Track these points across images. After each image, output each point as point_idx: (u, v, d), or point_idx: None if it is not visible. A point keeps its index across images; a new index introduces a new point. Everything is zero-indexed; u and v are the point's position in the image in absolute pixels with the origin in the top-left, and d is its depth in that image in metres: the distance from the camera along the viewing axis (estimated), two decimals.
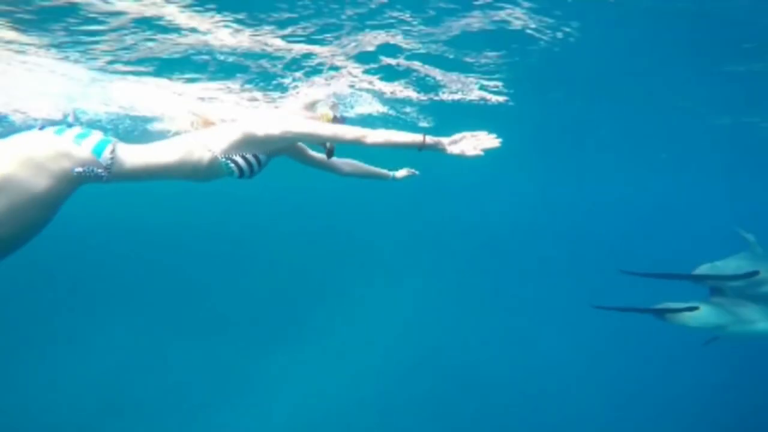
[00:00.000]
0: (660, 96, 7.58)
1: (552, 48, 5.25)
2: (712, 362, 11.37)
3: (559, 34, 4.92)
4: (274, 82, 6.29)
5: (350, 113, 7.74)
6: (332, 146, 3.61)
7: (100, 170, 2.49)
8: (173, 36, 4.81)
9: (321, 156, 3.75)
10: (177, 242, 18.90)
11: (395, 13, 4.56)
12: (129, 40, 4.85)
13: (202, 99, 6.86)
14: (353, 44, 5.19)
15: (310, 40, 5.07)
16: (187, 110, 3.71)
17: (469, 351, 13.21)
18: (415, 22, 4.72)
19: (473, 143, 2.93)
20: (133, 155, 2.74)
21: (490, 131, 2.94)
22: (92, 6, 4.13)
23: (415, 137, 2.95)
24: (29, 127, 2.58)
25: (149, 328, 12.97)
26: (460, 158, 2.95)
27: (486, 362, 12.84)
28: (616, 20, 4.69)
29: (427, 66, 5.99)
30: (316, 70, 5.87)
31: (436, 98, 7.38)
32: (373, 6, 4.41)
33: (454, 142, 2.96)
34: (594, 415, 10.63)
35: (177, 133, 3.17)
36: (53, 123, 2.61)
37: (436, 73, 6.28)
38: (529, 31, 4.85)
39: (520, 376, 12.23)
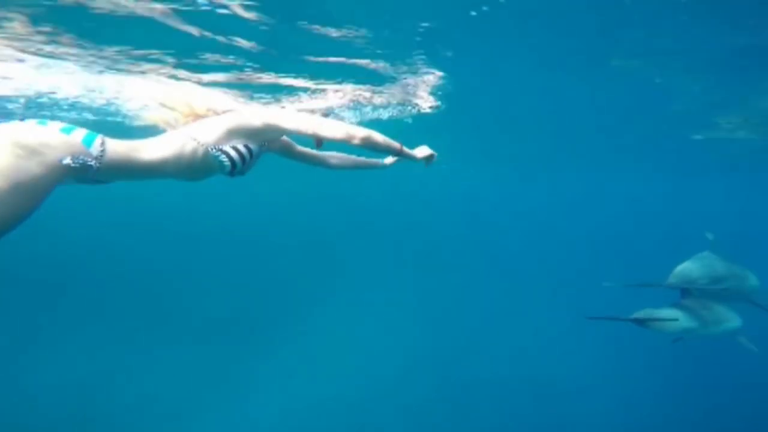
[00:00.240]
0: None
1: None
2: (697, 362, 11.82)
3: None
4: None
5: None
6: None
7: (90, 161, 2.39)
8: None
9: (309, 150, 3.71)
10: (164, 244, 18.50)
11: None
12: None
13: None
14: None
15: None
16: (183, 101, 3.67)
17: (455, 353, 13.17)
18: None
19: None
20: (124, 148, 2.64)
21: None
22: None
23: (395, 143, 3.18)
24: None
25: (133, 331, 12.70)
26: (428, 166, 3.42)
27: (476, 363, 12.84)
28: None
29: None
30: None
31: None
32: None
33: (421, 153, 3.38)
34: (580, 413, 10.81)
35: (164, 129, 3.09)
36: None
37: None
38: None
39: (510, 376, 12.23)
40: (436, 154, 3.36)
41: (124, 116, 7.96)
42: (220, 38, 4.67)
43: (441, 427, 10.31)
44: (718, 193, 18.81)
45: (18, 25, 4.32)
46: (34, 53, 5.06)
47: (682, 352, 11.19)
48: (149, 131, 2.99)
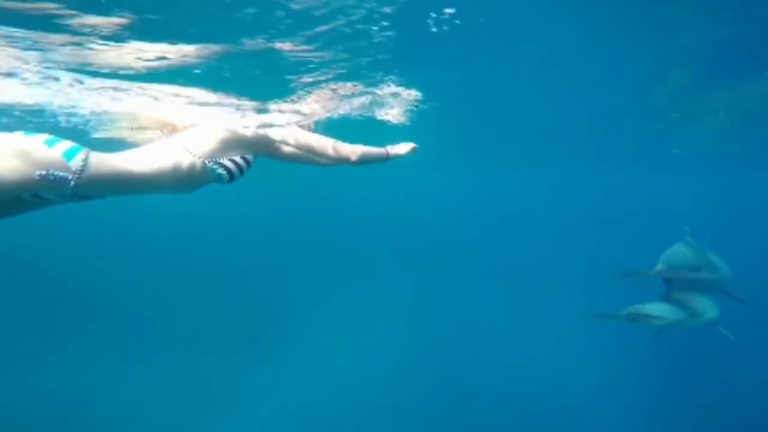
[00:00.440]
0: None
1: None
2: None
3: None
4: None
5: None
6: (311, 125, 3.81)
7: (67, 175, 2.33)
8: None
9: (297, 150, 3.73)
10: (155, 249, 18.30)
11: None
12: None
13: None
14: None
15: None
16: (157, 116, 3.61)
17: (450, 352, 13.18)
18: None
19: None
20: (114, 162, 2.59)
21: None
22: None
23: (382, 151, 3.46)
24: None
25: (124, 337, 12.54)
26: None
27: (472, 362, 12.84)
28: None
29: None
30: None
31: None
32: None
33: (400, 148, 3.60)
34: (575, 410, 10.88)
35: (145, 141, 3.07)
36: None
37: None
38: None
39: (507, 376, 12.25)
40: (416, 146, 3.56)
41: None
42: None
43: (437, 427, 10.32)
44: (694, 187, 19.36)
45: None
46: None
47: (672, 347, 11.62)
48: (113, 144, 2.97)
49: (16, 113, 6.13)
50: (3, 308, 12.49)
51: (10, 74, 4.35)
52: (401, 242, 22.41)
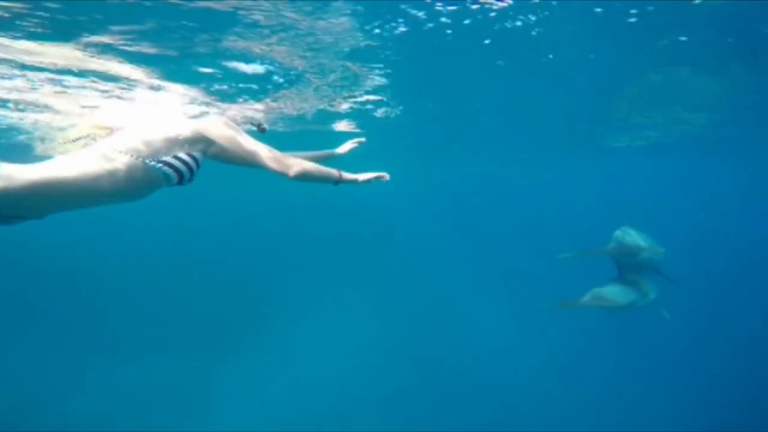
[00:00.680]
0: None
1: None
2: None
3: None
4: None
5: None
6: (264, 127, 3.65)
7: None
8: None
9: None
10: (132, 252, 17.70)
11: None
12: None
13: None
14: None
15: None
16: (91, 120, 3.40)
17: (424, 346, 13.29)
18: None
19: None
20: (26, 173, 2.32)
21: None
22: None
23: (333, 172, 3.01)
24: None
25: (100, 340, 12.21)
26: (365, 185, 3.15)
27: (442, 354, 13.00)
28: None
29: None
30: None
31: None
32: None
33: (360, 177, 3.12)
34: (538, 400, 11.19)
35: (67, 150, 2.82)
36: None
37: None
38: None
39: (483, 370, 12.47)
40: (386, 175, 3.12)
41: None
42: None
43: (417, 419, 10.39)
44: (632, 174, 20.56)
45: None
46: None
47: (624, 329, 12.16)
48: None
49: None
50: None
51: None
52: (378, 241, 22.48)
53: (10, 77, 4.96)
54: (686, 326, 14.06)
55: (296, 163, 2.86)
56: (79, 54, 4.44)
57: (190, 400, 10.65)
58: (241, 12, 3.75)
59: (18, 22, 3.70)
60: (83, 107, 5.96)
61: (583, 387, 11.54)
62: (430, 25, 4.42)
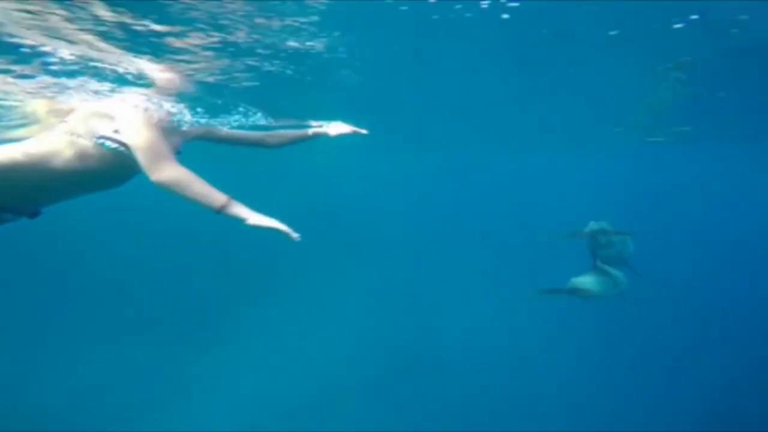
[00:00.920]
0: None
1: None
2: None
3: None
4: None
5: None
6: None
7: None
8: None
9: (240, 133, 3.65)
10: (103, 238, 17.45)
11: None
12: None
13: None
14: None
15: None
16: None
17: (401, 333, 13.40)
18: None
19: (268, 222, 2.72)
20: None
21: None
22: None
23: (217, 198, 2.66)
24: None
25: (71, 327, 12.10)
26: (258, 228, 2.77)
27: (420, 341, 13.21)
28: None
29: None
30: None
31: None
32: None
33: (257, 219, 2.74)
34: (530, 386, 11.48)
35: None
36: None
37: None
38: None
39: (455, 351, 12.82)
40: (295, 235, 2.78)
41: None
42: None
43: (396, 411, 10.45)
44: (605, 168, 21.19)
45: None
46: None
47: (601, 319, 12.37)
48: None
49: None
50: None
51: None
52: (352, 227, 22.44)
53: None
54: (666, 320, 14.78)
55: (171, 169, 2.58)
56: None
57: (166, 387, 10.70)
58: None
59: None
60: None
61: (564, 377, 11.81)
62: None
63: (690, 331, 14.72)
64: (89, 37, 3.57)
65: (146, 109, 3.25)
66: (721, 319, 15.72)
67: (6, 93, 4.60)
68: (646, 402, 11.44)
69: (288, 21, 3.94)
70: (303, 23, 4.02)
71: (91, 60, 3.82)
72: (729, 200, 25.20)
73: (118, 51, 3.83)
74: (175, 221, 19.91)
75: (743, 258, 21.66)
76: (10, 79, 4.22)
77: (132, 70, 4.02)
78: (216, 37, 3.96)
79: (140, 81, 4.21)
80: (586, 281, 7.77)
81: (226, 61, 4.56)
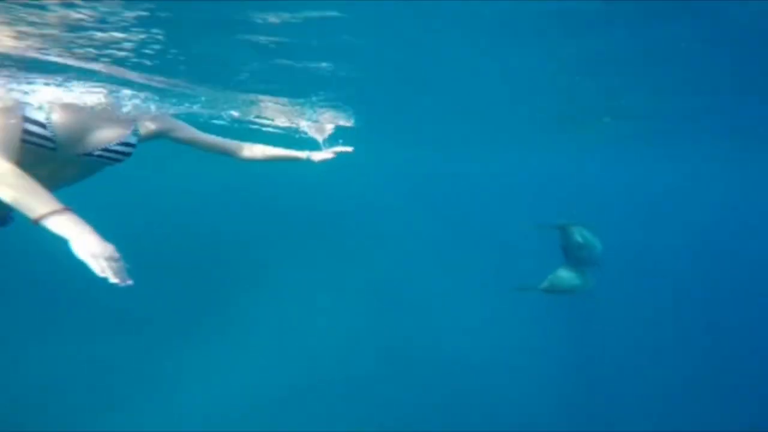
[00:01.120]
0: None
1: None
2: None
3: None
4: None
5: None
6: None
7: None
8: None
9: (207, 138, 3.43)
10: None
11: None
12: None
13: None
14: None
15: None
16: None
17: (386, 332, 13.55)
18: None
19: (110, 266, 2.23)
20: None
21: None
22: None
23: (38, 208, 2.20)
24: None
25: (41, 322, 12.09)
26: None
27: (405, 341, 13.35)
28: None
29: None
30: None
31: None
32: None
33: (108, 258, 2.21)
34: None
35: None
36: None
37: None
38: None
39: (442, 348, 13.09)
40: (119, 281, 2.25)
41: None
42: None
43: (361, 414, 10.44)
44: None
45: None
46: None
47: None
48: None
49: None
50: None
51: None
52: (340, 227, 22.55)
53: None
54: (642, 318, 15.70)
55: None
56: None
57: (148, 383, 10.71)
58: None
59: None
60: None
61: (546, 375, 12.22)
62: None
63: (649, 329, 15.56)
64: None
65: None
66: (676, 317, 16.74)
67: None
68: (626, 400, 11.93)
69: None
70: None
71: None
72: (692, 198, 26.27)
73: None
74: (160, 214, 20.07)
75: (705, 255, 23.02)
76: None
77: None
78: None
79: None
80: (559, 276, 8.32)
81: None
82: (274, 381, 11.10)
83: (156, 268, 15.13)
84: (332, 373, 11.59)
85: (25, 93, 3.83)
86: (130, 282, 2.27)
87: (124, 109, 3.80)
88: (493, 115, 10.69)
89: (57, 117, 2.69)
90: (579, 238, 8.57)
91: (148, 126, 3.30)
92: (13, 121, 2.52)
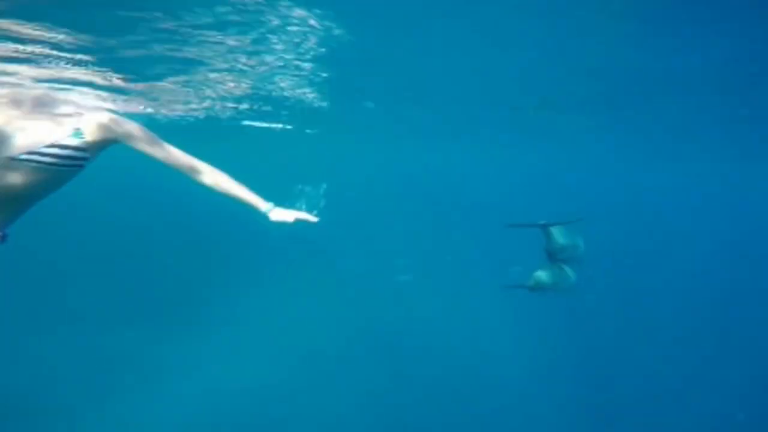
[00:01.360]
0: None
1: None
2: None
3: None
4: None
5: None
6: None
7: None
8: None
9: (167, 154, 2.93)
10: (69, 218, 16.85)
11: None
12: None
13: None
14: None
15: None
16: None
17: (377, 333, 13.45)
18: None
19: None
20: None
21: None
22: None
23: None
24: None
25: (31, 311, 12.05)
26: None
27: (397, 342, 13.19)
28: None
29: None
30: None
31: None
32: None
33: None
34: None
35: None
36: None
37: None
38: None
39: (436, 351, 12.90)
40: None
41: None
42: None
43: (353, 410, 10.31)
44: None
45: None
46: None
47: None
48: None
49: None
50: None
51: None
52: (335, 226, 22.17)
53: None
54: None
55: None
56: None
57: (138, 374, 10.62)
58: None
59: None
60: None
61: (535, 374, 12.05)
62: None
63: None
64: None
65: None
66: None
67: None
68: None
69: None
70: None
71: None
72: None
73: None
74: (150, 207, 19.95)
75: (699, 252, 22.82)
76: None
77: None
78: None
79: None
80: (542, 274, 8.17)
81: None
82: (270, 376, 11.07)
83: (155, 264, 15.50)
84: (327, 370, 11.61)
85: None
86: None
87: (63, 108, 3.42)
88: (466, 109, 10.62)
89: None
90: (561, 240, 8.40)
91: (97, 129, 2.80)
92: None
